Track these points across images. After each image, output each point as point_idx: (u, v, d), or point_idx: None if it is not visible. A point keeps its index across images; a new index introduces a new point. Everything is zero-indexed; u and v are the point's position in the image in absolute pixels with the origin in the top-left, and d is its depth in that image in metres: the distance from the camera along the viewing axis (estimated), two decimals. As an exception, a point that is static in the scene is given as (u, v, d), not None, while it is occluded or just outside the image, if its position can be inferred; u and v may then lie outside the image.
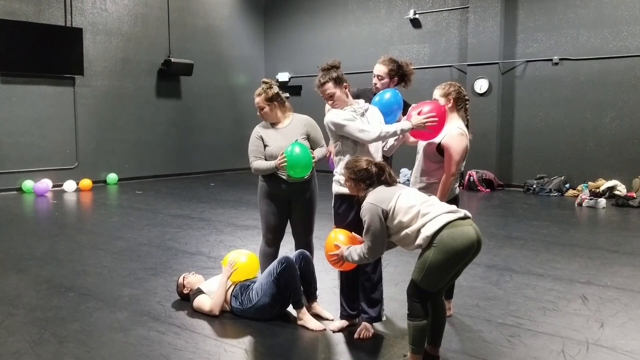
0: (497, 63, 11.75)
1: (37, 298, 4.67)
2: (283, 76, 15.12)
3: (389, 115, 4.11)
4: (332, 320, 4.11)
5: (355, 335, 3.84)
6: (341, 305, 4.03)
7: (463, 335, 3.90)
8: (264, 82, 4.48)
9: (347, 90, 3.87)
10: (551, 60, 11.36)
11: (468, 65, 12.12)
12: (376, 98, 4.21)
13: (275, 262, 4.08)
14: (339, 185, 3.79)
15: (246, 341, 3.80)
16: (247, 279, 4.34)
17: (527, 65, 11.70)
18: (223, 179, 13.90)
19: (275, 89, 4.45)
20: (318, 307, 4.26)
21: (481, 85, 11.85)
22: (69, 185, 11.47)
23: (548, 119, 11.55)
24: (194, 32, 14.26)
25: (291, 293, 4.03)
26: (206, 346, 3.69)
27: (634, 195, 10.01)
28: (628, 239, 7.12)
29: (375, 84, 4.46)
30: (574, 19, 11.10)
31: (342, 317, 4.04)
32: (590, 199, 9.73)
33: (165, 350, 3.60)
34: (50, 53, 11.33)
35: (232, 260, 4.32)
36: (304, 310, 4.06)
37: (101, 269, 5.55)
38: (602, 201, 9.69)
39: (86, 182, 11.71)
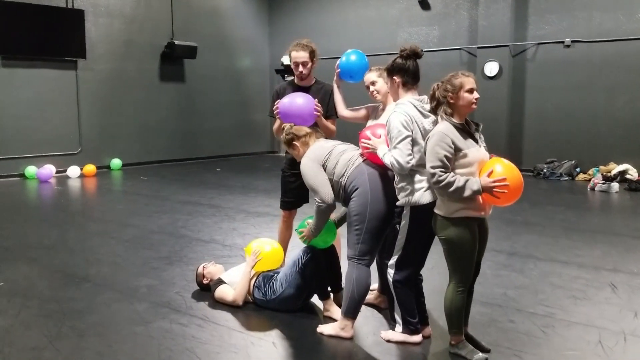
0: (508, 46, 11.54)
1: (50, 289, 4.53)
2: (288, 59, 14.86)
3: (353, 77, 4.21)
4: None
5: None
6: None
7: (496, 326, 3.77)
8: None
9: (398, 83, 3.45)
10: (563, 42, 11.16)
11: (478, 48, 11.90)
12: (343, 58, 4.22)
13: (300, 252, 3.94)
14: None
15: (273, 333, 3.66)
16: (271, 269, 4.19)
17: (539, 48, 11.50)
18: (229, 164, 13.74)
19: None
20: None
21: (491, 69, 11.64)
22: (73, 171, 11.30)
23: (559, 103, 11.37)
24: (197, 14, 14.01)
25: (317, 284, 3.89)
26: (232, 339, 3.55)
27: (647, 179, 9.89)
28: (647, 224, 7.00)
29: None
30: (587, 0, 10.88)
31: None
32: (603, 184, 9.60)
33: (190, 344, 3.46)
34: (52, 35, 11.10)
35: (257, 250, 4.17)
36: (331, 300, 3.93)
37: (114, 258, 5.41)
38: (615, 185, 9.56)
39: (90, 168, 11.54)
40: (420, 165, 3.25)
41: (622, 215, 7.80)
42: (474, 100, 3.15)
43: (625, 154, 10.59)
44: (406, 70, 3.40)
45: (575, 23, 11.04)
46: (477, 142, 3.20)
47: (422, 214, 3.29)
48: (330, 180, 3.56)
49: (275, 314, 3.93)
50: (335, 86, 4.34)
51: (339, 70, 4.25)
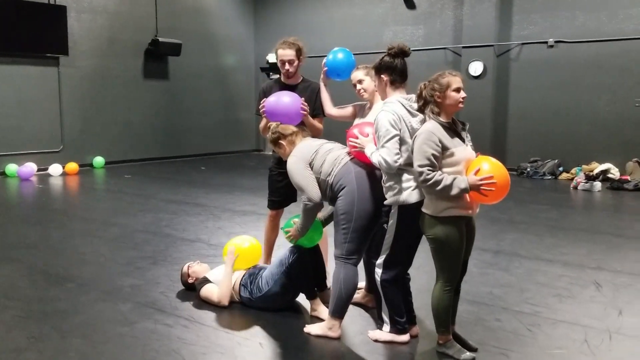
0: (492, 45, 11.59)
1: (33, 289, 4.45)
2: (273, 57, 14.80)
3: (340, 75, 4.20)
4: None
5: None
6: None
7: (482, 325, 3.78)
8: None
9: (385, 81, 3.43)
10: (547, 42, 11.24)
11: (463, 47, 11.94)
12: (330, 56, 4.18)
13: (286, 252, 3.91)
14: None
15: (260, 334, 3.63)
16: (256, 267, 4.16)
17: (523, 48, 11.57)
18: (214, 162, 13.65)
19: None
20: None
21: (476, 68, 11.69)
22: (55, 169, 11.14)
23: (543, 102, 11.45)
24: (182, 11, 13.89)
25: (303, 284, 3.87)
26: (218, 339, 3.52)
27: (629, 178, 9.99)
28: (630, 223, 7.07)
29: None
30: (570, 1, 10.96)
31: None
32: (586, 183, 9.68)
33: (175, 345, 3.42)
34: (33, 31, 10.92)
35: (232, 248, 4.15)
36: (318, 300, 3.90)
37: (98, 258, 5.34)
38: (598, 184, 9.66)
39: (72, 166, 11.38)
40: (408, 165, 3.24)
41: (604, 214, 7.87)
42: (461, 100, 3.14)
43: (607, 153, 10.69)
44: (394, 69, 3.39)
45: (559, 23, 11.12)
46: (463, 141, 3.20)
47: (409, 213, 3.28)
48: (317, 178, 3.54)
49: (261, 314, 3.90)
50: (322, 84, 4.31)
51: (325, 68, 4.23)
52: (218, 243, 5.85)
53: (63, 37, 11.40)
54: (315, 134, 4.25)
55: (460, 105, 3.15)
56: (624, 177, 10.06)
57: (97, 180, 10.79)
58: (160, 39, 12.98)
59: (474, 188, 3.03)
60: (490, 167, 3.08)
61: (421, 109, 3.25)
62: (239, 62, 15.47)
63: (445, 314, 3.24)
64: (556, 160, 11.18)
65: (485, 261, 5.27)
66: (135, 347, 3.39)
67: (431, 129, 3.10)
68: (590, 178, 9.94)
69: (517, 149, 11.83)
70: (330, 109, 4.29)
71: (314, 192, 3.49)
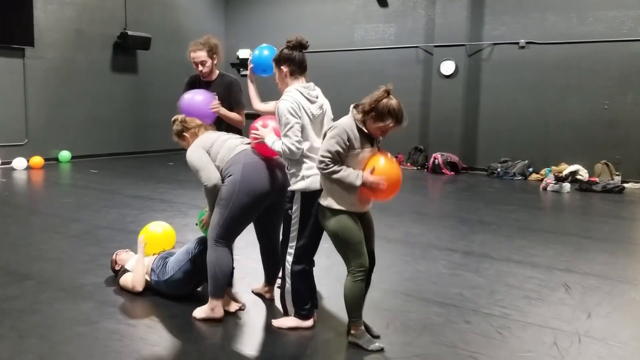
0: (464, 45, 11.63)
1: (-11, 287, 4.28)
2: (244, 53, 14.66)
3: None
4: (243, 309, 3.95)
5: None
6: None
7: (452, 327, 3.74)
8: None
9: (285, 72, 3.59)
10: (517, 43, 11.33)
11: (434, 46, 11.96)
12: (256, 52, 4.20)
13: (194, 242, 4.00)
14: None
15: (223, 335, 3.54)
16: (167, 251, 4.27)
17: (494, 48, 11.64)
18: (181, 158, 13.30)
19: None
20: (231, 292, 4.14)
21: (447, 68, 11.72)
22: (19, 163, 10.86)
23: (513, 103, 11.54)
24: (151, 5, 13.66)
25: (206, 275, 3.84)
26: (182, 340, 3.41)
27: (597, 180, 10.11)
28: (597, 224, 7.12)
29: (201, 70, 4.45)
30: (541, 2, 11.07)
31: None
32: (555, 184, 9.78)
33: (138, 346, 3.31)
34: (-2, 21, 10.61)
35: (142, 237, 4.30)
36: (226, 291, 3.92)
37: (59, 255, 5.17)
38: (567, 186, 9.75)
39: (37, 160, 11.11)
40: (311, 151, 3.41)
41: (572, 215, 7.93)
42: (380, 134, 3.26)
43: (576, 154, 10.83)
44: (292, 60, 3.55)
45: (530, 24, 11.22)
46: (373, 144, 3.31)
47: (312, 199, 3.41)
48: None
49: (230, 315, 3.80)
50: (249, 81, 4.30)
51: (252, 65, 4.22)
52: (185, 240, 5.70)
53: (29, 28, 11.09)
54: (237, 125, 4.47)
55: (378, 135, 3.27)
56: (592, 179, 10.18)
57: (62, 175, 10.53)
58: (130, 32, 12.73)
59: (367, 185, 3.17)
60: (384, 165, 3.22)
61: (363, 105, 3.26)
62: (209, 57, 15.27)
63: (355, 304, 3.32)
64: (526, 161, 11.28)
65: (455, 262, 5.25)
66: (96, 348, 3.26)
67: (346, 126, 3.21)
68: (559, 179, 10.05)
69: (487, 149, 11.91)
70: (257, 104, 4.33)
71: (210, 173, 3.58)
